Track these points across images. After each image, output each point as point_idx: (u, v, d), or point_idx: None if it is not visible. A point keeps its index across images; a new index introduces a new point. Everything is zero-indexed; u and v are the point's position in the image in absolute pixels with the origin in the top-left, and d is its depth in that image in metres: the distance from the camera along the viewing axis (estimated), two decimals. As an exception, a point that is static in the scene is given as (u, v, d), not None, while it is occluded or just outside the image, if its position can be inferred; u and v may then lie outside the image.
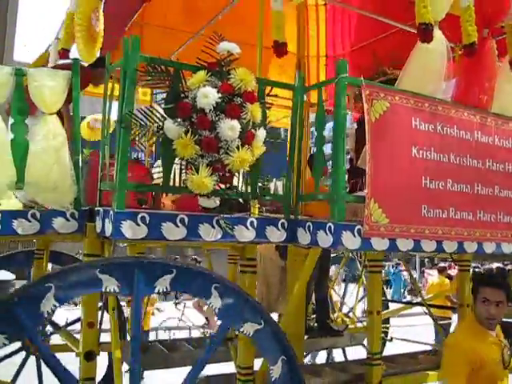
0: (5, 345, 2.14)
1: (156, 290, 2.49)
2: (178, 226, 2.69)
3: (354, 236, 2.77)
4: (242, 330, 2.65)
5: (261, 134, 2.76)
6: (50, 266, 5.80)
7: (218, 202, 2.75)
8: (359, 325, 5.95)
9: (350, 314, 6.18)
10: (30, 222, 2.80)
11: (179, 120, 2.61)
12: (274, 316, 4.30)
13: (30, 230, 2.79)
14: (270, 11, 3.30)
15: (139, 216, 2.59)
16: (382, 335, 5.97)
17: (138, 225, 2.59)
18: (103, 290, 2.30)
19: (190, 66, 2.71)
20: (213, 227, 2.77)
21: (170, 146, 2.65)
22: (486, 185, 3.23)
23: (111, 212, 2.58)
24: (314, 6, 6.40)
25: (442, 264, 9.42)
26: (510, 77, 3.31)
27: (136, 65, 2.59)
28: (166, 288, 2.45)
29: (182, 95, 2.66)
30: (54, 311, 2.26)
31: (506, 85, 3.31)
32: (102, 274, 2.29)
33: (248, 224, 2.87)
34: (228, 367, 3.84)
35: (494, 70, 3.27)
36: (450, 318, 8.43)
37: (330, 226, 2.77)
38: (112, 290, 2.32)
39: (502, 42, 3.41)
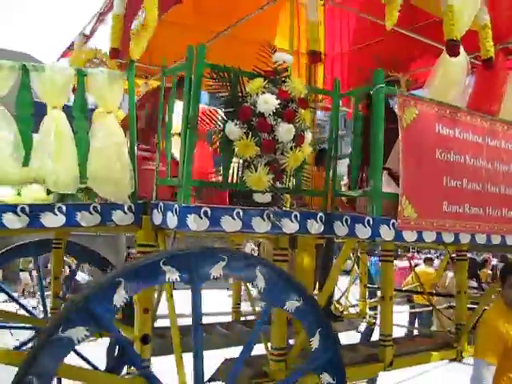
0: (86, 336, 2.37)
1: (211, 277, 2.75)
2: (234, 219, 2.95)
3: (390, 229, 3.12)
4: (285, 307, 2.96)
5: (308, 136, 3.04)
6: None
7: (270, 198, 3.02)
8: (352, 311, 6.37)
9: (342, 302, 6.58)
10: (92, 214, 2.98)
11: (239, 122, 2.86)
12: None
13: (92, 222, 2.98)
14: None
15: (202, 210, 2.84)
16: (374, 320, 6.43)
17: (201, 218, 2.84)
18: (166, 280, 2.55)
19: (247, 73, 2.96)
20: (263, 220, 3.04)
21: (230, 146, 2.91)
22: (494, 184, 3.64)
23: (176, 206, 2.81)
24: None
25: (429, 255, 9.98)
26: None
27: (202, 71, 2.81)
28: (220, 275, 2.72)
29: (241, 99, 2.91)
30: (125, 303, 2.48)
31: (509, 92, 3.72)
32: (165, 266, 2.54)
33: (292, 217, 3.16)
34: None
35: (505, 80, 3.67)
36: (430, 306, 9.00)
37: (368, 220, 3.10)
38: (173, 280, 2.58)
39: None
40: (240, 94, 2.93)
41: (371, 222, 3.09)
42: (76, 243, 5.21)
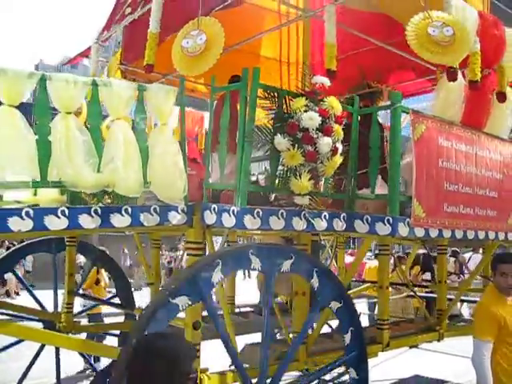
0: (188, 305, 2.77)
1: (281, 270, 3.23)
2: (279, 219, 3.41)
3: (405, 226, 3.68)
4: (329, 306, 3.47)
5: (340, 147, 3.53)
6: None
7: (308, 201, 3.49)
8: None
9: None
10: (152, 215, 3.33)
11: (286, 135, 3.31)
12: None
13: (152, 222, 3.33)
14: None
15: (255, 211, 3.28)
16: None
17: (255, 218, 3.29)
18: (251, 268, 2.98)
19: (292, 92, 3.41)
20: (301, 219, 3.52)
21: (277, 156, 3.36)
22: (481, 187, 4.28)
23: (233, 208, 3.23)
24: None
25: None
26: (497, 105, 4.37)
27: (257, 91, 3.24)
28: (287, 269, 3.19)
29: (286, 116, 3.36)
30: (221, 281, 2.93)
31: (495, 111, 4.37)
32: (252, 256, 2.98)
33: (322, 217, 3.65)
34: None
35: (490, 100, 4.31)
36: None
37: (388, 219, 3.64)
38: (255, 269, 3.02)
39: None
40: (285, 111, 3.37)
41: (391, 221, 3.63)
42: (86, 242, 5.46)
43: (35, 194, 3.66)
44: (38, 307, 5.36)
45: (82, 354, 6.42)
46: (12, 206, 3.00)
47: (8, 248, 14.01)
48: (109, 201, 3.42)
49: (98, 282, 7.64)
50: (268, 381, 3.27)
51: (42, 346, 5.38)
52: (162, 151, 3.35)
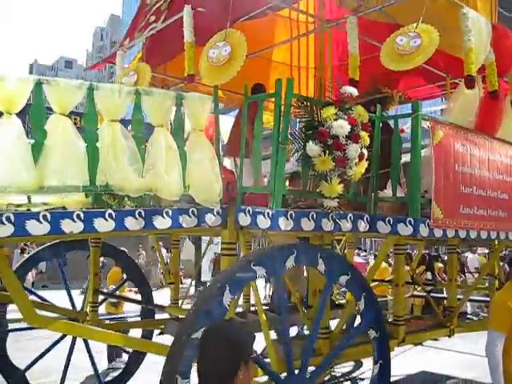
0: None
1: (287, 268, 3.43)
2: (309, 220, 3.62)
3: (426, 227, 3.89)
4: (339, 281, 3.68)
5: (365, 153, 3.74)
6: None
7: (336, 203, 3.69)
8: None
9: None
10: (190, 217, 3.53)
11: (317, 142, 3.51)
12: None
13: (191, 223, 3.53)
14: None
15: (289, 213, 3.48)
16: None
17: (288, 219, 3.49)
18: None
19: (322, 102, 3.61)
20: (329, 221, 3.72)
21: (308, 161, 3.56)
22: (493, 190, 4.51)
23: (268, 210, 3.43)
24: (304, 23, 7.33)
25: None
26: (509, 111, 4.61)
27: (291, 101, 3.43)
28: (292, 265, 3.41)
29: (317, 124, 3.56)
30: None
31: (507, 117, 4.61)
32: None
33: (348, 218, 3.86)
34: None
35: (503, 107, 4.54)
36: (386, 297, 10.01)
37: (410, 220, 3.85)
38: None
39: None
40: (316, 119, 3.58)
41: (412, 222, 3.85)
42: (107, 244, 5.64)
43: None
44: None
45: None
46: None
47: (23, 249, 14.32)
48: (129, 203, 3.62)
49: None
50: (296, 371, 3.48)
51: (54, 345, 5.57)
52: (200, 157, 3.55)
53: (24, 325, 4.08)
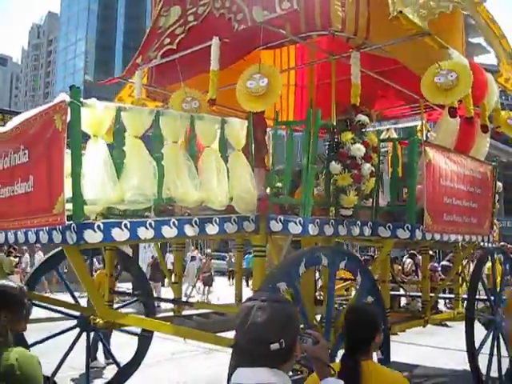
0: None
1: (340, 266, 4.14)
2: (330, 227, 4.31)
3: (420, 232, 4.68)
4: (340, 266, 4.36)
5: (374, 170, 4.48)
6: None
7: (351, 212, 4.41)
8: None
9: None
10: (232, 224, 4.12)
11: (338, 162, 4.22)
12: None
13: (232, 230, 4.13)
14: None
15: (316, 221, 4.17)
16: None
17: (315, 226, 4.17)
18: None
19: (341, 127, 4.32)
20: (343, 227, 4.44)
21: (330, 177, 4.26)
22: (466, 200, 5.39)
23: (300, 218, 4.09)
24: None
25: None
26: (481, 134, 5.52)
27: (319, 127, 4.12)
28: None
29: (336, 146, 4.27)
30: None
31: (479, 139, 5.52)
32: (323, 255, 3.88)
33: (357, 224, 4.58)
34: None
35: (476, 130, 5.44)
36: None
37: (407, 226, 4.63)
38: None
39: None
40: (336, 142, 4.29)
41: (409, 227, 4.63)
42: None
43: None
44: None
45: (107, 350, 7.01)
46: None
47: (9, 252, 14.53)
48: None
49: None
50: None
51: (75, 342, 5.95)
52: (240, 172, 4.16)
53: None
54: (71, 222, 3.31)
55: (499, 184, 6.44)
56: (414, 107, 7.09)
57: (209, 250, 18.33)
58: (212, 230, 3.98)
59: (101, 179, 3.38)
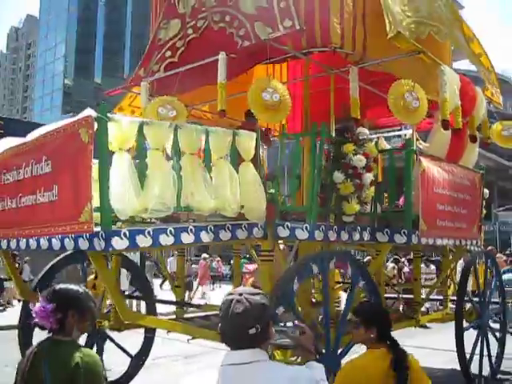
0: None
1: (330, 267, 4.41)
2: (334, 233, 4.61)
3: (416, 236, 5.00)
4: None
5: (373, 179, 4.79)
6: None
7: (352, 219, 4.71)
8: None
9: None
10: (243, 231, 4.38)
11: (341, 171, 4.52)
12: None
13: (243, 236, 4.38)
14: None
15: (321, 227, 4.46)
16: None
17: (321, 232, 4.46)
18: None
19: (343, 140, 4.62)
20: (345, 233, 4.74)
21: (333, 186, 4.56)
22: (457, 206, 5.74)
23: (306, 225, 4.37)
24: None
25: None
26: (470, 144, 5.88)
27: (324, 141, 4.41)
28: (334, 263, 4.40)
29: (339, 157, 4.57)
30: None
31: (468, 148, 5.88)
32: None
33: (357, 230, 4.89)
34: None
35: (465, 141, 5.79)
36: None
37: (404, 231, 4.95)
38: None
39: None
40: (338, 154, 4.59)
41: (406, 233, 4.95)
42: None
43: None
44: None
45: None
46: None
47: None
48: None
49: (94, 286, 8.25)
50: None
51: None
52: (250, 182, 4.42)
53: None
54: (99, 229, 3.53)
55: (486, 190, 6.81)
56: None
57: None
58: (225, 236, 4.24)
59: (126, 190, 3.61)
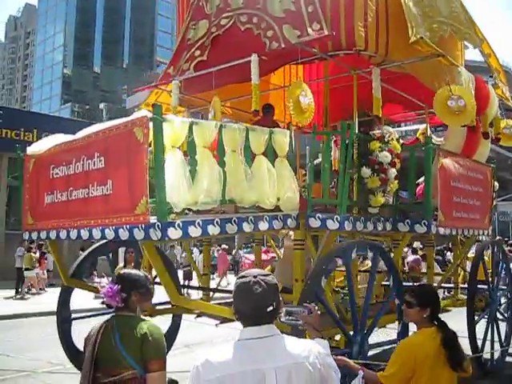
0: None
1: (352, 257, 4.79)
2: (361, 223, 4.98)
3: (434, 226, 5.37)
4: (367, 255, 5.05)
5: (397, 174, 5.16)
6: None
7: (377, 210, 5.08)
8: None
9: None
10: (279, 221, 4.75)
11: (368, 167, 4.88)
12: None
13: (279, 226, 4.75)
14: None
15: (350, 218, 4.83)
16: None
17: (349, 223, 4.83)
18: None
19: (369, 137, 4.97)
20: (371, 223, 5.11)
21: (362, 181, 4.92)
22: (471, 198, 6.11)
23: (337, 216, 4.74)
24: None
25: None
26: (483, 140, 6.25)
27: (353, 138, 4.77)
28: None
29: (367, 153, 4.93)
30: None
31: (480, 145, 6.25)
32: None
33: (381, 221, 5.26)
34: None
35: (478, 137, 6.16)
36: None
37: (424, 222, 5.32)
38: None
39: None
40: (367, 150, 4.95)
41: (426, 223, 5.32)
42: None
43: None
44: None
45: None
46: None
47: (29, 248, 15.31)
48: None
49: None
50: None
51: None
52: (285, 176, 4.78)
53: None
54: (155, 220, 3.89)
55: (496, 183, 7.19)
56: (417, 113, 7.79)
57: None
58: (263, 226, 4.61)
59: (180, 184, 3.96)
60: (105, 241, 6.56)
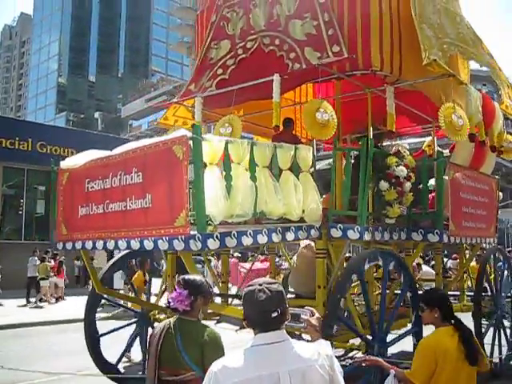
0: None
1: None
2: (379, 233, 5.32)
3: (446, 236, 5.72)
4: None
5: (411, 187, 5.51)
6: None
7: (394, 221, 5.42)
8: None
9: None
10: (303, 232, 5.07)
11: (386, 181, 5.23)
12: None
13: (303, 236, 5.08)
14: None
15: (369, 228, 5.16)
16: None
17: (369, 233, 5.16)
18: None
19: (385, 153, 5.32)
20: (388, 233, 5.45)
21: (380, 193, 5.26)
22: (477, 208, 6.47)
23: (357, 226, 5.07)
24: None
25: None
26: (489, 153, 6.63)
27: (372, 155, 5.12)
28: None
29: (384, 168, 5.28)
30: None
31: (487, 158, 6.63)
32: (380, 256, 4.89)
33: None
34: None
35: (486, 151, 6.54)
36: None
37: (437, 231, 5.66)
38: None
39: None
40: (382, 165, 5.30)
41: (438, 232, 5.67)
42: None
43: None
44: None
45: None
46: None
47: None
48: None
49: (145, 282, 8.87)
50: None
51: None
52: (309, 189, 5.11)
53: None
54: (195, 232, 4.21)
55: (500, 194, 7.56)
56: (424, 127, 8.16)
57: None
58: (290, 236, 4.94)
59: (219, 198, 4.28)
60: (127, 251, 6.86)
